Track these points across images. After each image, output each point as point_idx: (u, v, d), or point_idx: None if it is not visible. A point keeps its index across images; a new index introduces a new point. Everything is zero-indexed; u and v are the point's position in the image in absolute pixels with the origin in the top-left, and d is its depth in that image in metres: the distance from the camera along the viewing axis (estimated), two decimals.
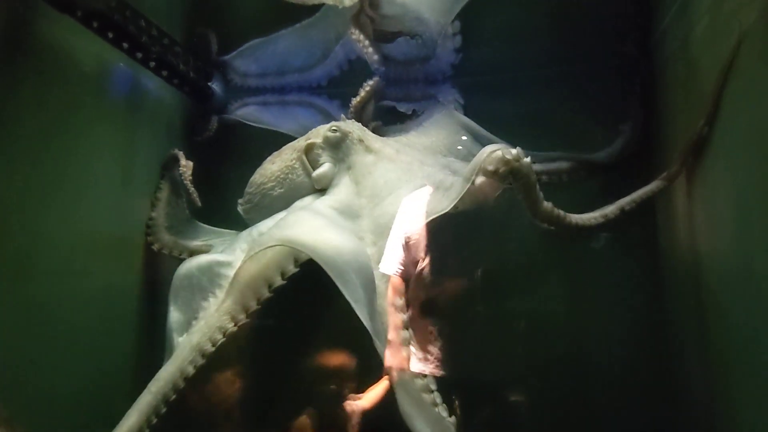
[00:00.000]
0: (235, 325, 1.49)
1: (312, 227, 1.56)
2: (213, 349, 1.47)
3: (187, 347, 1.50)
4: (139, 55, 1.91)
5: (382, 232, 1.58)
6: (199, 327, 1.52)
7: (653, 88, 1.86)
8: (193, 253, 1.87)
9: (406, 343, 1.46)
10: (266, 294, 1.50)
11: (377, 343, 1.44)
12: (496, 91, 2.14)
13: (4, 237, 1.39)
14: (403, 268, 1.53)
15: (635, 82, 1.91)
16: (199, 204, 1.97)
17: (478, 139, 2.01)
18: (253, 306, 1.50)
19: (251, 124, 2.30)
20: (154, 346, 1.93)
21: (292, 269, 1.50)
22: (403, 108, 2.20)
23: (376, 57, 2.02)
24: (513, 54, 2.11)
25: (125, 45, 1.82)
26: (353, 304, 1.38)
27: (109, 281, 1.77)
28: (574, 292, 1.90)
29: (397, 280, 1.52)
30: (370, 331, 1.40)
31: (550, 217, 1.54)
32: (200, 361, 1.47)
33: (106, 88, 1.82)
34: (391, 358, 1.43)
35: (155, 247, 1.92)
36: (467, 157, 1.89)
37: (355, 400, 1.59)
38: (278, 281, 1.49)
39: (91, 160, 1.71)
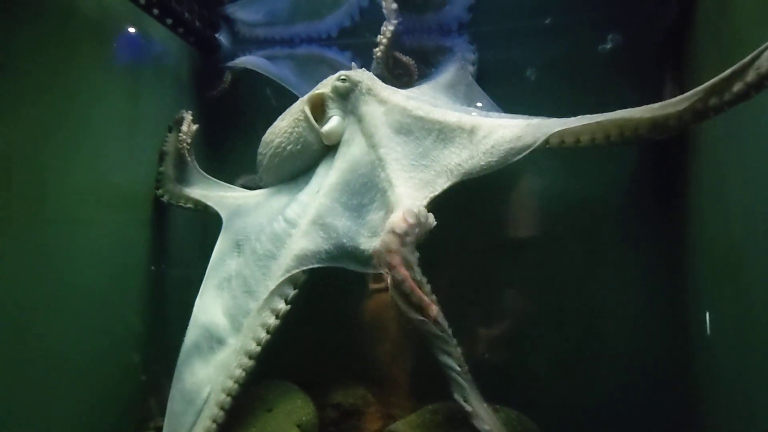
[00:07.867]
0: (276, 318, 1.42)
1: None
2: (259, 349, 1.41)
3: (231, 355, 1.44)
4: (142, 1, 1.84)
5: (412, 169, 1.50)
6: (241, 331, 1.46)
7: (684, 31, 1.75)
8: (198, 203, 1.84)
9: None
10: (302, 278, 1.46)
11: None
12: (515, 40, 2.04)
13: (11, 182, 1.36)
14: None
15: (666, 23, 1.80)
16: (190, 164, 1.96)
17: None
18: (291, 292, 1.45)
19: (259, 71, 2.23)
20: (164, 299, 1.96)
21: None
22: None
23: (394, 6, 1.93)
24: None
25: None
26: None
27: (117, 231, 1.75)
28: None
29: None
30: None
31: None
32: (248, 363, 1.41)
33: (108, 36, 1.75)
34: None
35: (165, 198, 1.90)
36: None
37: None
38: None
39: (95, 109, 1.66)
